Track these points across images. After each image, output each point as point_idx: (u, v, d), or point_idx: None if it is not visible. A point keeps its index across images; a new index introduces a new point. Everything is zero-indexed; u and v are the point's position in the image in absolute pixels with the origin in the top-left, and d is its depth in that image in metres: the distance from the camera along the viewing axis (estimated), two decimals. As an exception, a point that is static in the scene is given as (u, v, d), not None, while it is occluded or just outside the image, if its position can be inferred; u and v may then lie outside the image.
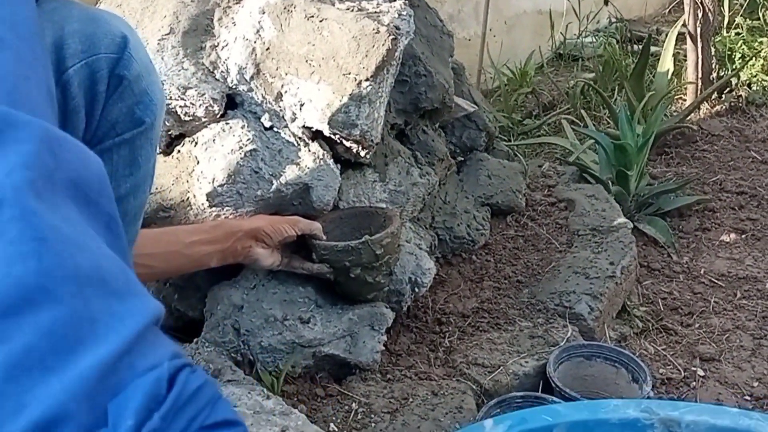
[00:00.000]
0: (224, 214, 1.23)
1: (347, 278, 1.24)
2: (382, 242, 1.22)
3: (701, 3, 2.47)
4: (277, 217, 1.25)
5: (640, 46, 2.65)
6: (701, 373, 1.40)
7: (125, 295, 0.41)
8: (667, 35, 2.68)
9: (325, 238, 1.26)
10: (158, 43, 1.29)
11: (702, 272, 1.74)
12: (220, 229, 1.18)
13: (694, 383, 1.37)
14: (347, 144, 1.29)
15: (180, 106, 1.24)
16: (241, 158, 1.21)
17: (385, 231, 1.24)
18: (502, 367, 1.29)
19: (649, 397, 1.19)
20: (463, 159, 1.79)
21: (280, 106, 1.29)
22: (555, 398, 1.21)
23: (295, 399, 1.19)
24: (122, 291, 0.41)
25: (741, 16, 3.15)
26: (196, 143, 1.27)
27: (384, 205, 1.39)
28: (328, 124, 1.24)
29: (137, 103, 0.81)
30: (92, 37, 0.75)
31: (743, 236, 1.90)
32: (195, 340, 1.25)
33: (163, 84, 1.05)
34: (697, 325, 1.54)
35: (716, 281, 1.70)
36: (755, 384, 1.36)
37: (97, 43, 0.76)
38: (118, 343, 0.39)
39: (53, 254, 0.39)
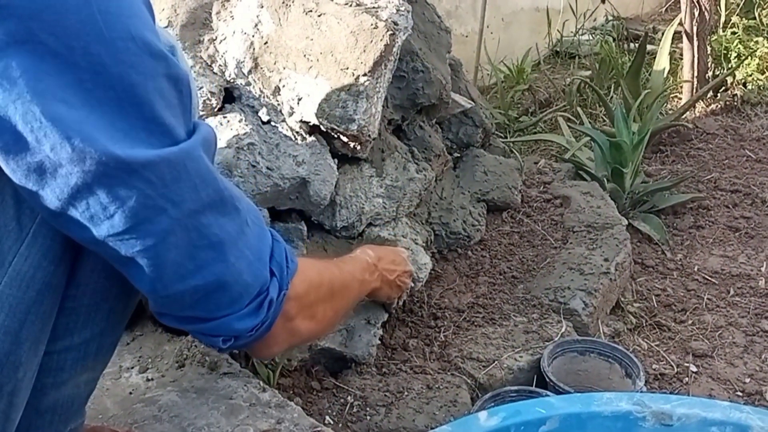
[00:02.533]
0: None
1: None
2: None
3: (698, 2, 2.48)
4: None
5: (637, 45, 2.66)
6: (694, 368, 1.41)
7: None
8: (663, 34, 2.69)
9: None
10: (156, 37, 1.29)
11: (695, 269, 1.75)
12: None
13: (686, 379, 1.39)
14: (344, 139, 1.29)
15: (178, 100, 1.24)
16: (239, 152, 1.22)
17: None
18: (496, 362, 1.30)
19: (642, 392, 1.20)
20: (459, 155, 1.79)
21: (277, 101, 1.29)
22: (549, 393, 1.22)
23: (291, 392, 1.20)
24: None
25: (737, 15, 3.16)
26: (194, 137, 1.27)
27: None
28: (326, 118, 1.25)
29: None
30: None
31: (737, 234, 1.91)
32: (191, 332, 1.25)
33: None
34: (690, 322, 1.56)
35: (709, 278, 1.71)
36: (747, 380, 1.38)
37: None
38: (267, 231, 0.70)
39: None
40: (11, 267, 0.63)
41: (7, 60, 0.53)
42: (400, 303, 1.34)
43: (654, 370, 1.41)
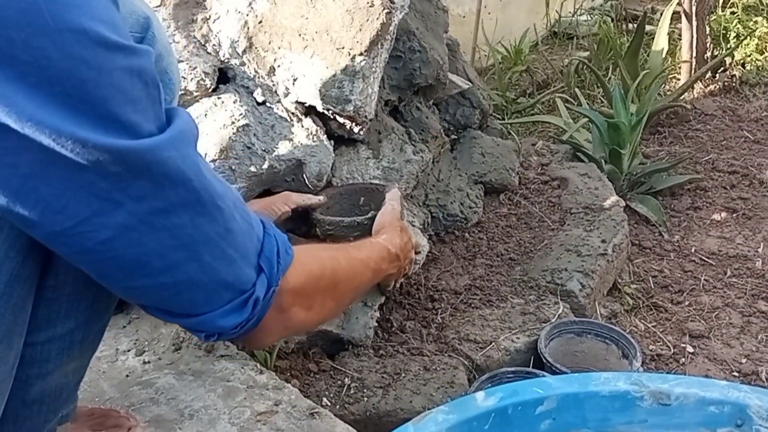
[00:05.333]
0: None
1: None
2: None
3: (697, -19, 2.46)
4: (266, 198, 1.22)
5: (635, 25, 2.64)
6: (690, 349, 1.42)
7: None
8: (662, 14, 2.67)
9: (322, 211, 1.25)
10: (148, 16, 1.27)
11: (693, 251, 1.75)
12: None
13: (683, 359, 1.39)
14: (341, 120, 1.28)
15: (171, 80, 1.23)
16: (234, 133, 1.20)
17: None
18: (493, 343, 1.30)
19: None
20: (456, 137, 1.78)
21: (272, 81, 1.27)
22: (546, 374, 1.23)
23: (288, 374, 1.20)
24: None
25: (736, -6, 3.14)
26: (188, 118, 1.25)
27: (384, 182, 1.38)
28: (322, 99, 1.23)
29: None
30: None
31: (734, 215, 1.91)
32: (188, 315, 1.25)
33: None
34: (687, 303, 1.56)
35: (707, 259, 1.71)
36: (743, 360, 1.38)
37: None
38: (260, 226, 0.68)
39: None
40: None
41: None
42: (397, 286, 1.34)
43: (651, 351, 1.41)
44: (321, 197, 1.26)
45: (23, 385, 0.71)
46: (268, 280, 0.67)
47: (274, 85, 1.27)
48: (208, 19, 1.28)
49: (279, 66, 1.26)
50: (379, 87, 1.33)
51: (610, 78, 2.60)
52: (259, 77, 1.27)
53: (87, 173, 0.54)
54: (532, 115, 2.44)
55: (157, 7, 1.28)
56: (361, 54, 1.21)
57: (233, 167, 1.21)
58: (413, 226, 1.45)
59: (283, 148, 1.24)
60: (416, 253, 1.23)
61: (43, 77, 0.52)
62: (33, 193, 0.54)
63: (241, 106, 1.23)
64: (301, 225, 1.27)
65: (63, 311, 0.71)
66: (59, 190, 0.55)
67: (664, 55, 2.56)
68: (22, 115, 0.51)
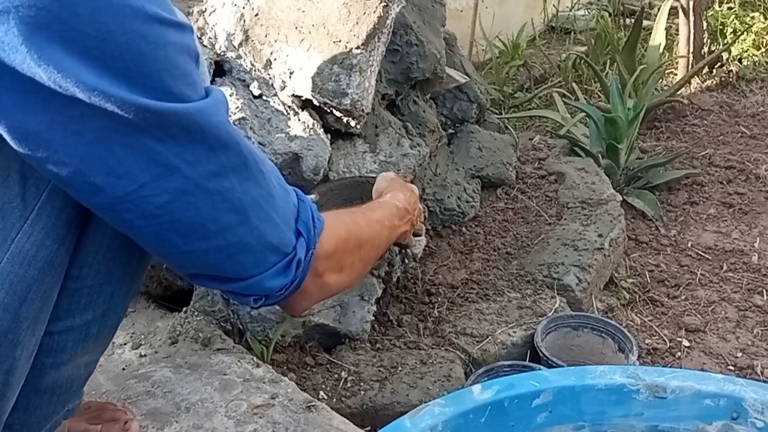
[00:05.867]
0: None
1: None
2: None
3: (694, -24, 2.46)
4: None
5: (633, 20, 2.64)
6: (686, 343, 1.42)
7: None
8: (659, 9, 2.66)
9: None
10: (144, 8, 1.26)
11: (689, 245, 1.75)
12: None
13: (679, 353, 1.39)
14: (337, 114, 1.28)
15: (167, 73, 1.22)
16: (230, 126, 1.20)
17: None
18: (490, 337, 1.30)
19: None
20: (453, 131, 1.78)
21: (269, 74, 1.27)
22: (542, 368, 1.23)
23: (285, 367, 1.20)
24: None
25: (734, -10, 3.13)
26: (184, 111, 1.25)
27: (375, 174, 1.38)
28: (318, 92, 1.23)
29: None
30: None
31: (730, 210, 1.91)
32: (184, 309, 1.25)
33: None
34: (683, 297, 1.56)
35: (703, 254, 1.71)
36: (739, 354, 1.39)
37: None
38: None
39: None
40: (14, 244, 0.62)
41: (7, 26, 0.52)
42: (418, 245, 1.27)
43: (647, 344, 1.41)
44: (313, 195, 1.26)
45: (38, 373, 0.72)
46: (307, 243, 0.70)
47: (270, 78, 1.27)
48: (204, 11, 1.28)
49: (275, 59, 1.25)
50: (376, 81, 1.32)
51: (607, 73, 2.60)
52: (255, 70, 1.27)
53: (146, 138, 0.58)
54: (530, 109, 2.44)
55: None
56: (357, 47, 1.21)
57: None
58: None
59: (279, 141, 1.23)
60: (421, 211, 1.19)
61: (106, 50, 0.55)
62: (97, 160, 0.57)
63: (238, 99, 1.23)
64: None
65: (83, 303, 0.72)
66: (121, 156, 0.58)
67: (661, 50, 2.56)
68: (87, 85, 0.55)
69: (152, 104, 0.57)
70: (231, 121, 0.67)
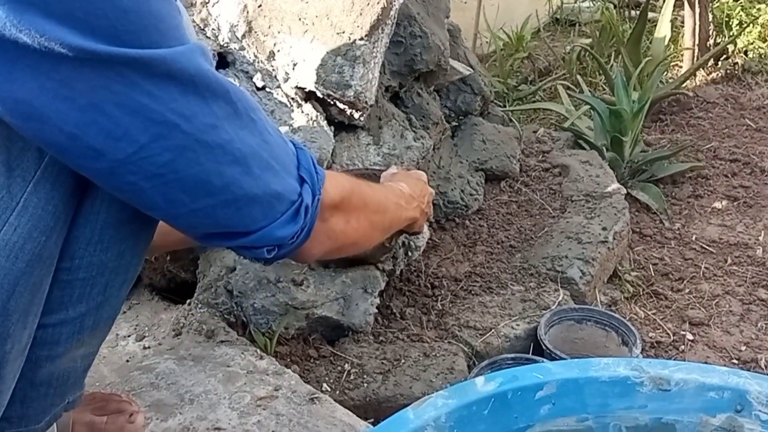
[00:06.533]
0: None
1: None
2: None
3: (701, -33, 2.44)
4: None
5: (638, 12, 2.62)
6: (690, 337, 1.42)
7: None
8: (665, 1, 2.65)
9: None
10: None
11: (693, 238, 1.74)
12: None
13: (682, 347, 1.39)
14: (341, 105, 1.27)
15: (170, 65, 1.22)
16: (233, 118, 1.20)
17: None
18: (493, 330, 1.30)
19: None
20: (457, 123, 1.77)
21: (272, 66, 1.26)
22: (545, 360, 1.23)
23: (288, 360, 1.20)
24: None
25: (740, -19, 3.11)
26: (187, 103, 1.25)
27: (379, 167, 1.38)
28: (322, 84, 1.23)
29: None
30: None
31: (735, 203, 1.90)
32: (188, 301, 1.25)
33: None
34: (687, 291, 1.56)
35: (707, 247, 1.71)
36: (743, 348, 1.38)
37: None
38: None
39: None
40: (0, 236, 0.61)
41: None
42: (425, 227, 1.25)
43: (650, 338, 1.41)
44: None
45: (33, 366, 0.72)
46: (312, 189, 0.70)
47: (273, 69, 1.26)
48: (207, 2, 1.27)
49: (279, 51, 1.25)
50: (380, 72, 1.32)
51: (612, 65, 2.59)
52: (258, 62, 1.26)
53: (140, 96, 0.57)
54: (534, 102, 2.43)
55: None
56: (361, 39, 1.20)
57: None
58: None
59: (282, 133, 1.23)
60: (432, 195, 1.17)
61: (89, 10, 0.54)
62: (93, 124, 0.56)
63: (241, 91, 1.23)
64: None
65: (76, 295, 0.72)
66: (117, 118, 0.57)
67: (666, 43, 2.55)
68: (72, 47, 0.54)
69: (139, 54, 0.55)
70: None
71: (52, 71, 0.54)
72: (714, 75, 2.64)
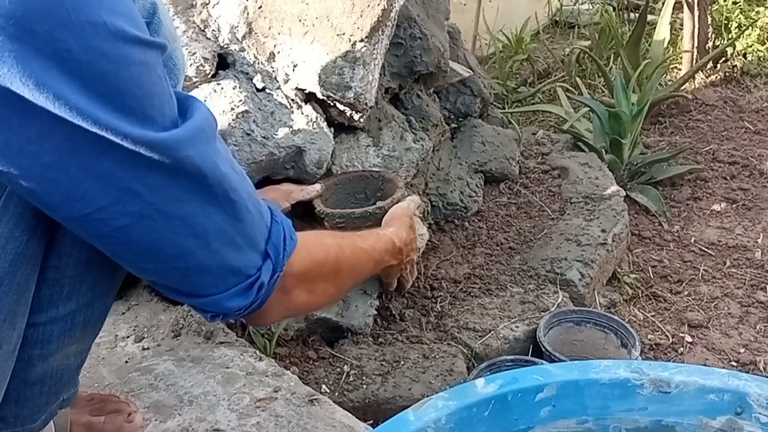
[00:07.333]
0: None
1: None
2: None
3: (700, -30, 2.44)
4: (266, 196, 1.19)
5: (637, 14, 2.63)
6: (689, 339, 1.42)
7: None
8: (664, 3, 2.65)
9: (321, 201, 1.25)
10: (147, 1, 1.26)
11: (692, 241, 1.75)
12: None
13: (681, 349, 1.39)
14: (341, 107, 1.27)
15: (170, 66, 1.22)
16: (233, 120, 1.20)
17: (397, 194, 1.23)
18: (492, 332, 1.30)
19: (637, 362, 1.20)
20: (457, 125, 1.77)
21: (272, 67, 1.26)
22: (545, 362, 1.23)
23: (288, 361, 1.20)
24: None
25: (739, -16, 3.12)
26: (187, 104, 1.25)
27: (378, 168, 1.38)
28: (322, 86, 1.23)
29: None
30: None
31: (734, 206, 1.91)
32: (187, 302, 1.25)
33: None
34: (686, 293, 1.56)
35: (706, 250, 1.71)
36: (742, 350, 1.38)
37: None
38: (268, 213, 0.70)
39: None
40: None
41: None
42: (406, 286, 1.30)
43: (649, 340, 1.41)
44: (318, 186, 1.26)
45: (25, 365, 0.72)
46: (274, 265, 0.69)
47: (273, 71, 1.26)
48: (208, 3, 1.27)
49: (279, 52, 1.25)
50: (380, 74, 1.32)
51: (611, 67, 2.59)
52: (258, 63, 1.26)
53: (105, 162, 0.56)
54: (533, 104, 2.43)
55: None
56: (361, 40, 1.20)
57: (233, 154, 1.21)
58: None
59: (282, 134, 1.23)
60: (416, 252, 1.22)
61: (64, 69, 0.53)
62: (53, 182, 0.56)
63: (241, 92, 1.23)
64: (307, 217, 1.26)
65: (65, 292, 0.72)
66: (79, 180, 0.56)
67: (665, 45, 2.55)
68: (45, 109, 0.52)
69: (113, 126, 0.54)
70: (217, 135, 0.65)
71: (21, 127, 0.53)
72: (713, 78, 2.65)
